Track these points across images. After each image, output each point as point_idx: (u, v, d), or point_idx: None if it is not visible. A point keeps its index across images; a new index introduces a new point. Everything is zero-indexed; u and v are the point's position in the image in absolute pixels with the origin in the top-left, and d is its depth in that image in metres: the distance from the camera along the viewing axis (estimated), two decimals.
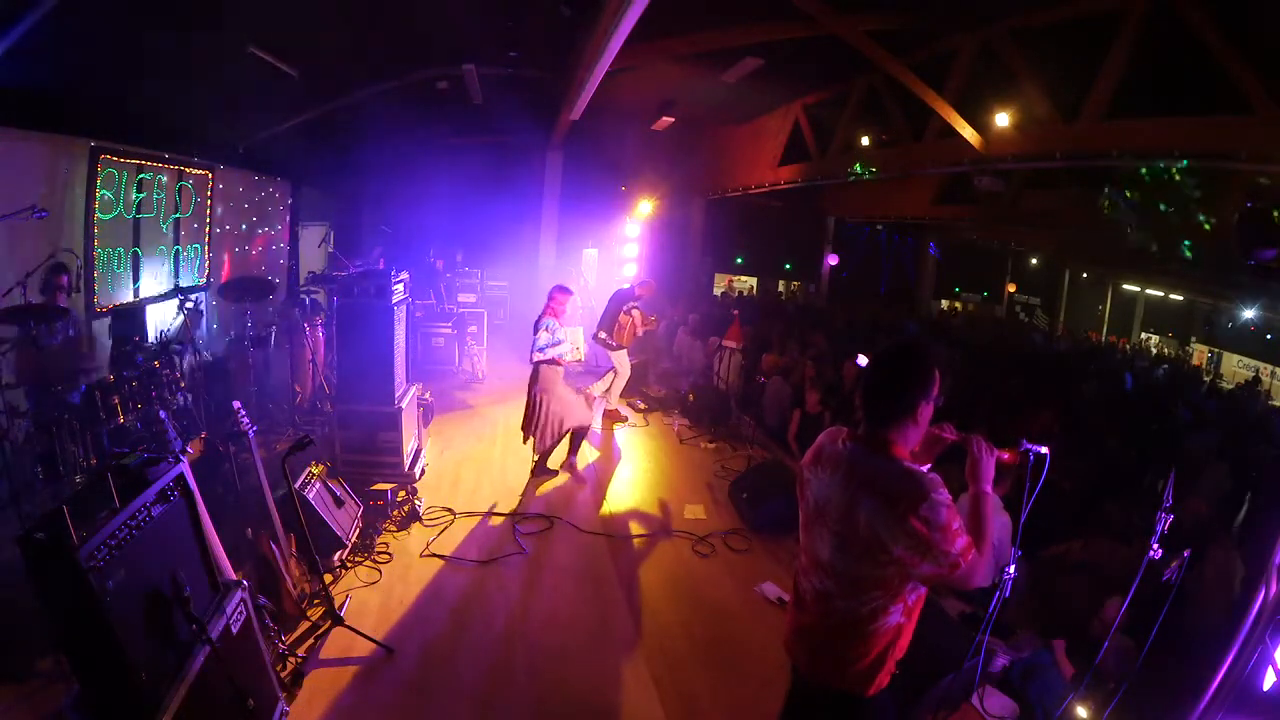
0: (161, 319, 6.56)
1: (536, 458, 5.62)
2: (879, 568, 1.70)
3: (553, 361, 5.36)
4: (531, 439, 5.52)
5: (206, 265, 7.58)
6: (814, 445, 1.94)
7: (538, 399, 5.37)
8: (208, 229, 7.53)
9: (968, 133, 6.87)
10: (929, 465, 1.85)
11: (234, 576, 2.65)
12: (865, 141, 9.04)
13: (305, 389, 6.71)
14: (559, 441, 5.53)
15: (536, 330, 5.33)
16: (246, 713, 2.15)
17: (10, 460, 3.62)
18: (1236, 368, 17.10)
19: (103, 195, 5.68)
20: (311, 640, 3.38)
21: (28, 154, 4.93)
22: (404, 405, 5.14)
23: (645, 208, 11.72)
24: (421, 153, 11.80)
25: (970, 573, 1.67)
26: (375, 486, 4.77)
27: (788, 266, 19.12)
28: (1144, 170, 7.23)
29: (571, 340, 5.48)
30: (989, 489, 1.82)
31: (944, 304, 21.51)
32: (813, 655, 1.91)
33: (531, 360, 5.37)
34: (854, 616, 1.77)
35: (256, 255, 8.90)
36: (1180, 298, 19.33)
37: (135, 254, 6.26)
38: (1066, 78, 6.13)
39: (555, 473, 5.68)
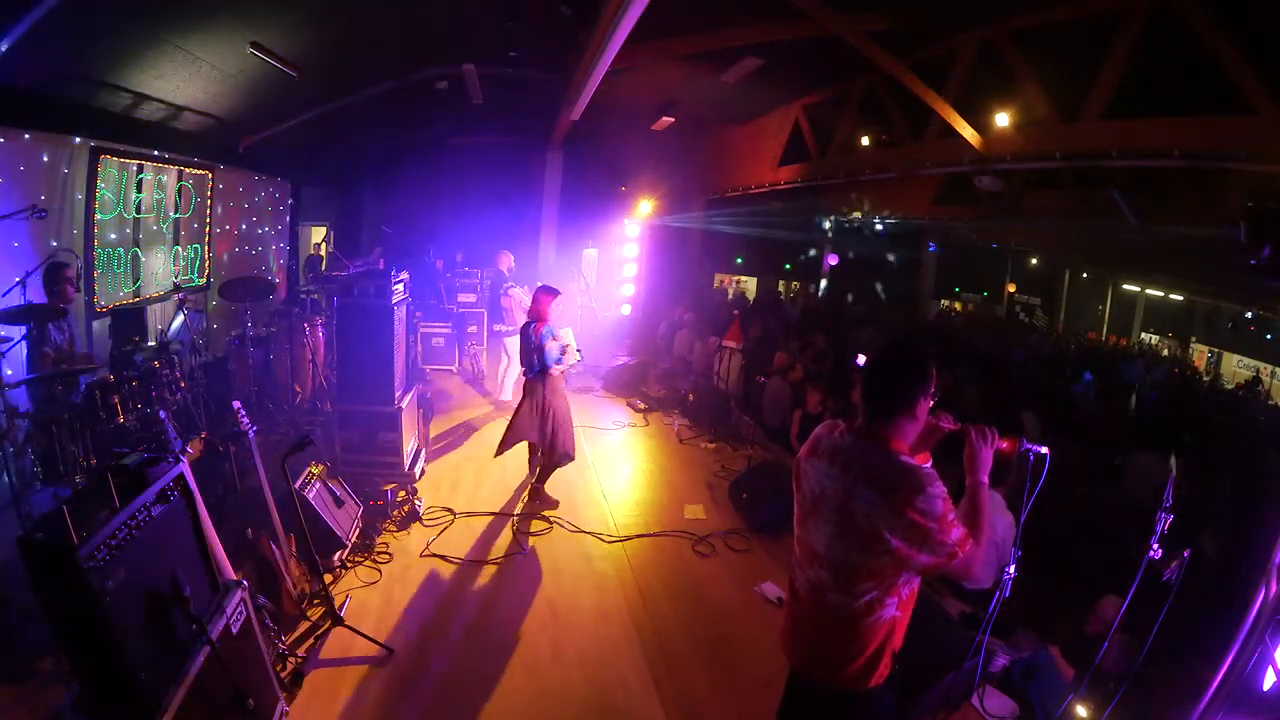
0: (161, 319, 6.56)
1: (535, 479, 5.23)
2: (874, 558, 1.72)
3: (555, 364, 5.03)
4: (533, 451, 5.20)
5: (206, 265, 7.57)
6: (811, 436, 1.97)
7: (546, 405, 4.96)
8: (208, 229, 7.52)
9: (968, 133, 6.87)
10: (928, 456, 1.88)
11: (234, 576, 2.65)
12: (865, 141, 9.03)
13: (305, 389, 6.71)
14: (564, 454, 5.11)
15: (542, 340, 4.89)
16: (246, 713, 2.15)
17: (10, 460, 3.61)
18: (1236, 368, 17.09)
19: (103, 195, 5.67)
20: (311, 640, 3.38)
21: (28, 154, 4.92)
22: (404, 405, 5.15)
23: (645, 208, 11.72)
24: (422, 153, 11.80)
25: (968, 563, 1.70)
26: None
27: (788, 266, 19.10)
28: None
29: (568, 342, 5.12)
30: (985, 479, 1.85)
31: (944, 304, 21.50)
32: (808, 652, 1.92)
33: (550, 373, 4.96)
34: (848, 611, 1.77)
35: (256, 255, 8.90)
36: (1180, 298, 19.32)
37: (135, 254, 6.25)
38: (1066, 78, 6.12)
39: (557, 502, 5.19)
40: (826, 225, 16.91)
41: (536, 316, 4.98)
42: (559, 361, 4.98)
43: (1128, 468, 5.31)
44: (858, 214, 13.83)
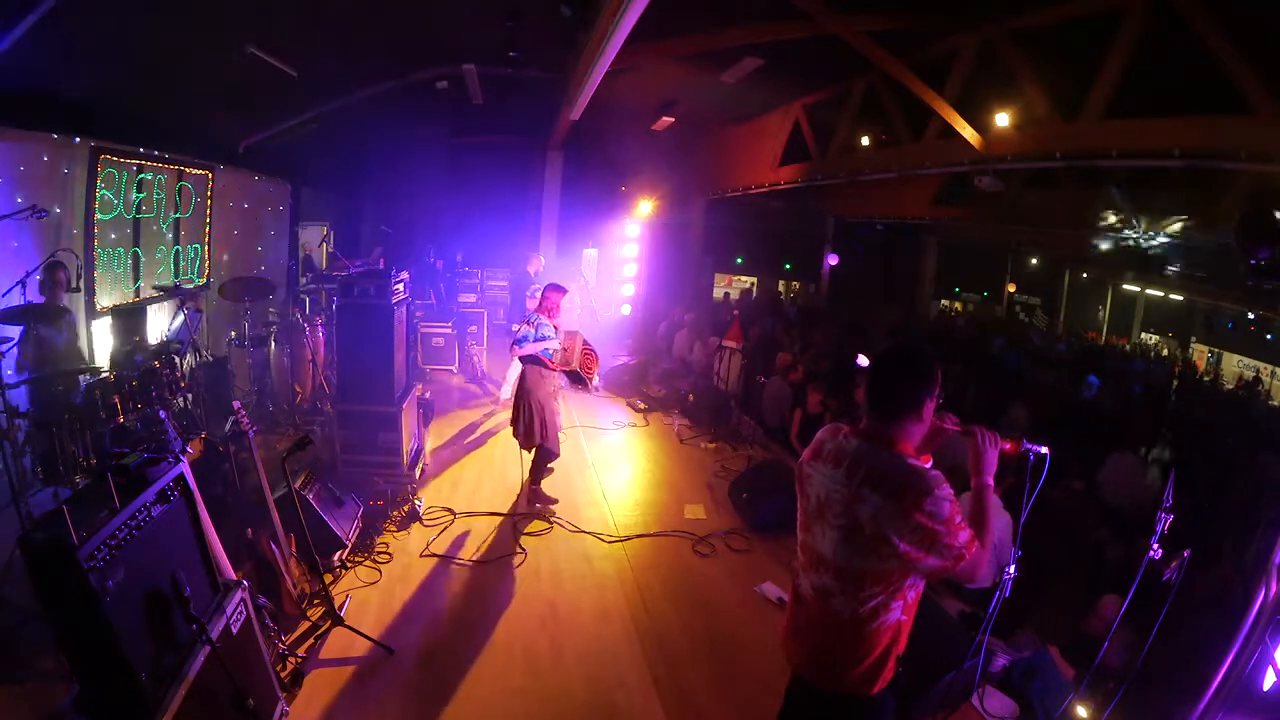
0: (161, 319, 6.56)
1: (530, 478, 5.21)
2: (881, 562, 1.71)
3: (539, 362, 5.02)
4: (525, 444, 5.14)
5: (206, 265, 7.57)
6: (814, 441, 1.96)
7: (522, 401, 5.03)
8: (208, 229, 7.52)
9: (968, 133, 6.86)
10: (929, 458, 1.88)
11: (234, 576, 2.65)
12: (865, 141, 9.03)
13: (305, 389, 6.71)
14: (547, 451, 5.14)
15: (527, 320, 5.06)
16: (246, 713, 2.15)
17: (10, 460, 3.61)
18: (1236, 368, 17.10)
19: (103, 195, 5.67)
20: (311, 640, 3.38)
21: (28, 154, 4.93)
22: (404, 405, 5.14)
23: (645, 208, 11.72)
24: (422, 153, 11.80)
25: (975, 565, 1.70)
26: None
27: (788, 266, 19.12)
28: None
29: (548, 335, 5.08)
30: (991, 481, 1.85)
31: (944, 304, 21.50)
32: (813, 656, 1.91)
33: (511, 354, 5.28)
34: (854, 616, 1.76)
35: (256, 255, 8.90)
36: (1180, 298, 19.30)
37: (135, 254, 6.26)
38: (1066, 78, 6.11)
39: (555, 501, 5.23)
40: (827, 225, 16.94)
41: (542, 310, 5.17)
42: (519, 344, 4.98)
43: (1105, 466, 5.27)
44: (858, 214, 13.83)
